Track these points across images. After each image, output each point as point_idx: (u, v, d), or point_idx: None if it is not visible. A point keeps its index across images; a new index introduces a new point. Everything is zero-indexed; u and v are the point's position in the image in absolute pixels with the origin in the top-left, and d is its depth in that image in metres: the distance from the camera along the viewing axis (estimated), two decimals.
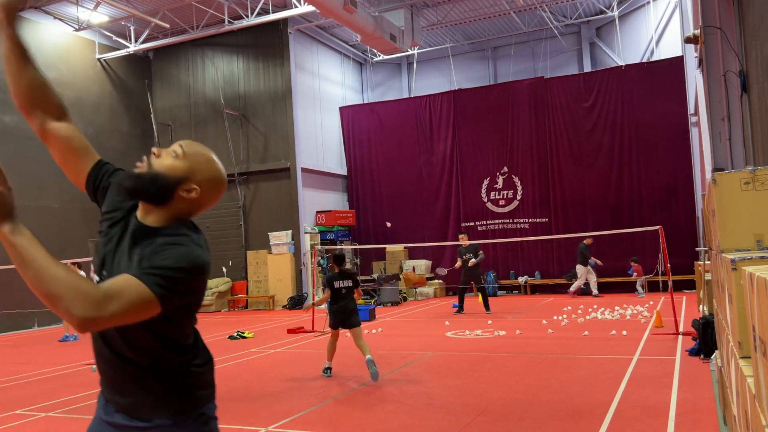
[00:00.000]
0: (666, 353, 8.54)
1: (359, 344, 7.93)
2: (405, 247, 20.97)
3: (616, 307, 14.00)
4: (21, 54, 2.10)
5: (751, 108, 7.80)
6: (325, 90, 22.05)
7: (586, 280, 17.34)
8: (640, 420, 5.50)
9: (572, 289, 17.44)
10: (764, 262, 2.87)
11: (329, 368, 8.23)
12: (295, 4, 17.64)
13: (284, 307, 19.07)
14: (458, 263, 15.14)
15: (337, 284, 8.08)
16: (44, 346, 13.26)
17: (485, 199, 20.51)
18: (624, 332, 10.50)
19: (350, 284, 8.15)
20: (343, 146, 22.77)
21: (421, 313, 15.64)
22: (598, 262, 17.18)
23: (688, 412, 5.67)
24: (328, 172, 21.71)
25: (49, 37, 18.30)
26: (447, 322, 13.20)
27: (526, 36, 22.03)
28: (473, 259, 14.78)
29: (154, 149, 2.05)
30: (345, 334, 10.92)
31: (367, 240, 21.72)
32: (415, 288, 19.73)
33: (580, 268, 17.16)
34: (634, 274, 17.20)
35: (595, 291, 17.25)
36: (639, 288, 17.18)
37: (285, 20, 19.33)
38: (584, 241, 17.01)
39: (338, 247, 19.81)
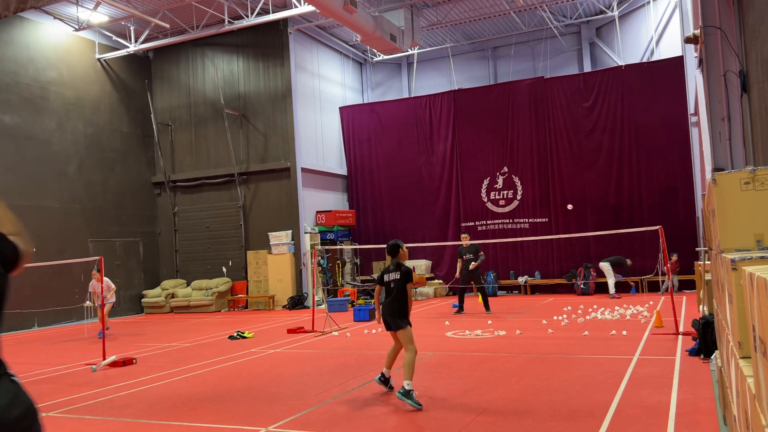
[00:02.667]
0: (666, 353, 8.54)
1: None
2: (405, 247, 20.91)
3: (616, 307, 14.01)
4: None
5: (751, 108, 7.80)
6: (325, 90, 22.05)
7: (591, 277, 17.39)
8: (640, 420, 5.50)
9: (613, 292, 16.85)
10: (764, 262, 2.87)
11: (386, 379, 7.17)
12: (295, 4, 17.64)
13: (284, 307, 19.07)
14: (459, 263, 15.13)
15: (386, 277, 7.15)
16: (44, 346, 13.26)
17: (485, 199, 20.50)
18: (624, 332, 10.50)
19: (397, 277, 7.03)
20: (343, 146, 22.77)
21: (421, 313, 15.64)
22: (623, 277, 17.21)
23: (688, 412, 5.67)
24: (328, 172, 21.71)
25: (49, 37, 18.31)
26: (447, 322, 13.19)
27: (526, 36, 22.02)
28: (474, 261, 14.76)
29: None
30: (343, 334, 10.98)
31: (367, 240, 21.71)
32: (415, 288, 19.73)
33: (607, 267, 16.87)
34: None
35: (612, 290, 17.05)
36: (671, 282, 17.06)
37: (285, 20, 19.33)
38: (628, 260, 17.00)
39: (338, 247, 19.80)
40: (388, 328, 6.96)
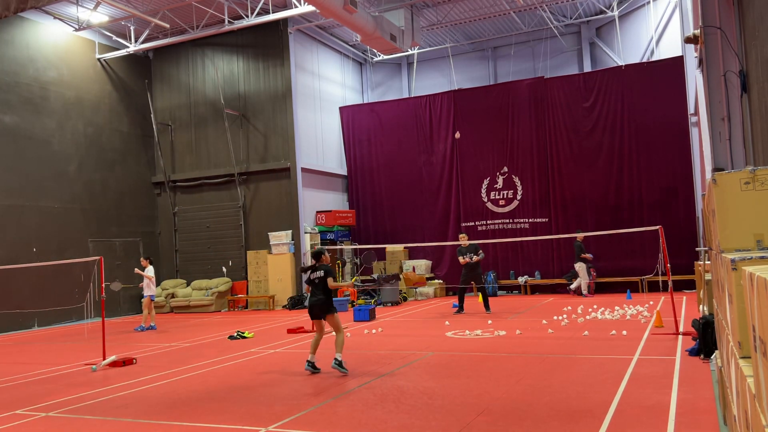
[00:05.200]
0: (666, 353, 8.54)
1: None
2: (405, 247, 20.96)
3: (616, 307, 14.00)
4: None
5: (751, 108, 7.80)
6: (325, 90, 22.05)
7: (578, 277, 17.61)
8: (640, 420, 5.50)
9: (573, 287, 17.62)
10: (764, 262, 2.87)
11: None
12: (295, 4, 17.64)
13: (284, 307, 19.07)
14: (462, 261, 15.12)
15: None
16: (44, 346, 13.26)
17: (485, 199, 20.50)
18: (624, 332, 10.50)
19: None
20: (343, 146, 22.77)
21: (421, 313, 15.63)
22: (588, 256, 17.33)
23: (688, 412, 5.67)
24: (328, 172, 21.71)
25: (49, 37, 18.31)
26: (447, 322, 13.19)
27: (526, 36, 22.02)
28: (475, 256, 14.78)
29: None
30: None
31: (367, 240, 21.71)
32: (415, 288, 19.72)
33: (579, 265, 17.32)
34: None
35: (585, 291, 17.46)
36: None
37: (285, 20, 19.33)
38: (577, 238, 17.07)
39: (338, 247, 19.81)
40: (316, 316, 8.60)
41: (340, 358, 8.18)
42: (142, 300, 15.39)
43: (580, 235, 16.81)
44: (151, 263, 15.40)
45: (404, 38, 18.15)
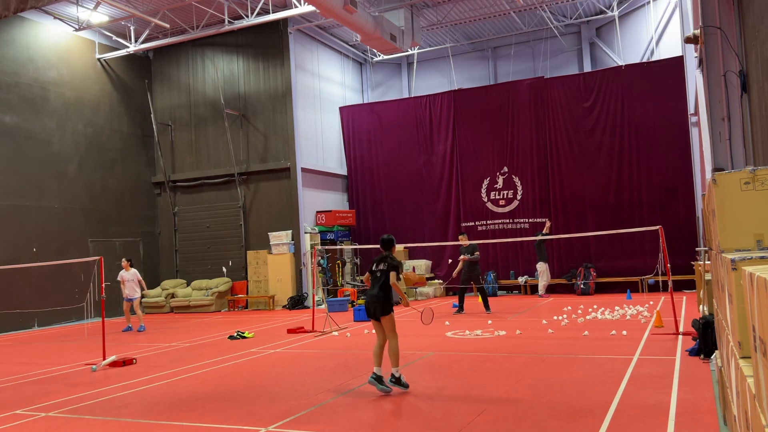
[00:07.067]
0: (666, 353, 8.54)
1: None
2: (405, 247, 20.95)
3: (616, 307, 14.00)
4: None
5: (751, 108, 7.80)
6: (325, 90, 22.05)
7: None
8: (640, 420, 5.50)
9: (541, 292, 17.85)
10: (764, 262, 2.87)
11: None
12: (295, 4, 17.64)
13: (284, 307, 19.07)
14: (459, 264, 15.15)
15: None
16: (44, 346, 13.26)
17: (485, 199, 20.50)
18: (624, 332, 10.50)
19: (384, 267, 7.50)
20: (343, 146, 22.77)
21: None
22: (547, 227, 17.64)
23: (688, 412, 5.67)
24: (328, 172, 21.70)
25: (49, 37, 18.31)
26: (447, 322, 13.19)
27: (526, 36, 22.02)
28: (467, 255, 14.87)
29: None
30: (346, 333, 10.95)
31: (367, 240, 21.70)
32: (415, 288, 19.72)
33: (541, 265, 17.73)
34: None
35: (541, 291, 17.89)
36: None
37: (285, 20, 19.33)
38: (538, 237, 17.18)
39: (338, 247, 19.80)
40: (372, 316, 7.51)
41: (397, 374, 7.00)
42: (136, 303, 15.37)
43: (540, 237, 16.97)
44: (131, 265, 15.34)
45: (404, 38, 18.14)
